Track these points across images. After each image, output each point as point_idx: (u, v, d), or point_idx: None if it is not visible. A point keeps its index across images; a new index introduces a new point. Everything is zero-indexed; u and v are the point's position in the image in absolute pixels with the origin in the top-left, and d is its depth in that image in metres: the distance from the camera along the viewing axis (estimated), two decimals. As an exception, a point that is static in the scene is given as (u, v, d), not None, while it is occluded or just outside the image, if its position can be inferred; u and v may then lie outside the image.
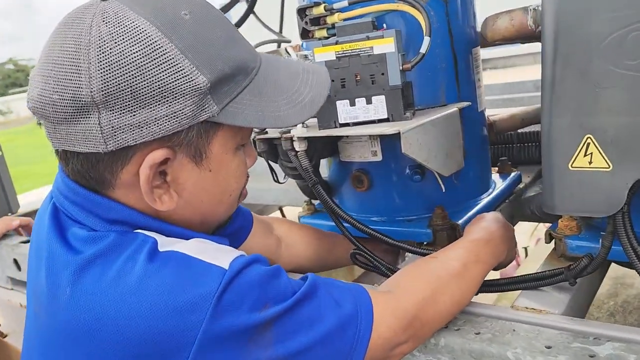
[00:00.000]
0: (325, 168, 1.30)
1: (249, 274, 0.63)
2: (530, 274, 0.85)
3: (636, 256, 0.72)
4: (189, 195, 0.69)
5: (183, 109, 0.62)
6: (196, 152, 0.67)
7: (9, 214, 2.04)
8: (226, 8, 2.31)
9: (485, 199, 1.20)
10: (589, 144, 0.71)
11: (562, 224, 0.93)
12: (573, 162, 0.73)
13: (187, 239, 0.68)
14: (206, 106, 0.63)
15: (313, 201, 1.33)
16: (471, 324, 0.79)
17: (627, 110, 0.68)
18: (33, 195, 2.31)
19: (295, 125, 0.95)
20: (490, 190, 1.25)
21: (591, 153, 0.71)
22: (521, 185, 1.32)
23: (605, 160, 0.70)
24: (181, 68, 0.62)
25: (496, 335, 0.75)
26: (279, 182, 1.19)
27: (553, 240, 0.96)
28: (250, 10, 2.27)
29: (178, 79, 0.61)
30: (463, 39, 1.12)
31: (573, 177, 0.73)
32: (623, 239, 0.72)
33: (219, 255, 0.65)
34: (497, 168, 1.35)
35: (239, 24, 2.30)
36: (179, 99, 0.62)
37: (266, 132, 1.10)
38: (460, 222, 1.09)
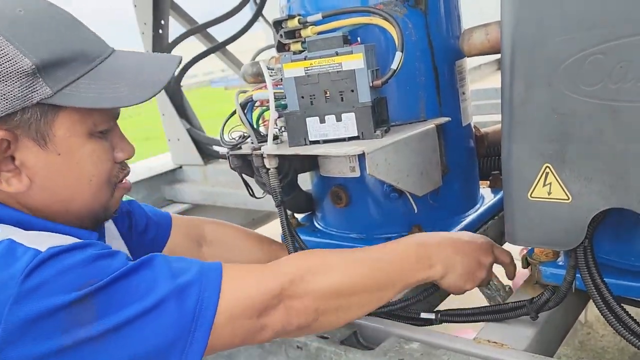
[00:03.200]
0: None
1: (68, 257, 0.63)
2: (492, 306, 0.81)
3: (598, 293, 0.67)
4: (43, 180, 0.72)
5: (11, 90, 0.66)
6: (38, 134, 0.70)
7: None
8: (235, 11, 2.31)
9: (470, 216, 1.16)
10: (547, 173, 0.66)
11: (537, 250, 0.88)
12: (532, 192, 0.68)
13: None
14: (37, 88, 0.67)
15: (296, 215, 1.31)
16: (428, 357, 0.75)
17: (586, 138, 0.63)
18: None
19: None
20: (478, 206, 1.20)
21: (550, 183, 0.66)
22: (513, 200, 1.26)
23: (565, 191, 0.66)
24: (5, 53, 0.66)
25: (450, 372, 0.72)
26: (255, 197, 1.17)
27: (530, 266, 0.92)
28: (258, 13, 2.26)
29: (3, 63, 0.66)
30: (445, 51, 1.08)
31: (533, 207, 0.69)
32: (584, 275, 0.68)
33: (45, 240, 0.65)
34: (488, 182, 1.30)
35: (247, 26, 2.30)
36: (5, 81, 0.66)
37: (240, 148, 1.08)
38: (438, 242, 1.05)
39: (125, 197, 0.96)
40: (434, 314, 0.87)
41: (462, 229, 1.12)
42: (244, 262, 1.07)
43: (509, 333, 0.79)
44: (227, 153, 1.08)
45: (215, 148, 2.31)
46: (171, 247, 1.00)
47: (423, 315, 0.88)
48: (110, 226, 0.93)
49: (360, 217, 1.14)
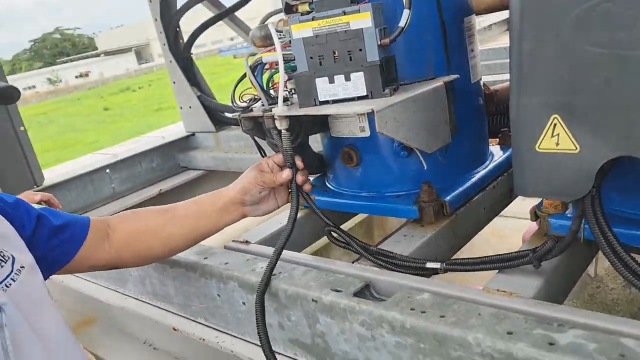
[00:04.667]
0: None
1: None
2: (495, 255, 0.83)
3: (605, 241, 0.69)
4: None
5: None
6: None
7: (35, 186, 2.14)
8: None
9: (479, 173, 1.17)
10: (555, 124, 0.67)
11: (547, 202, 0.89)
12: (540, 144, 0.69)
13: None
14: None
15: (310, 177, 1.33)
16: (438, 307, 0.78)
17: (595, 88, 0.63)
18: (77, 163, 2.39)
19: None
20: (487, 163, 1.21)
21: (558, 134, 0.67)
22: (523, 158, 1.27)
23: (573, 142, 0.67)
24: None
25: (460, 320, 0.74)
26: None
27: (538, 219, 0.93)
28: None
29: None
30: (453, 7, 1.07)
31: (540, 159, 0.70)
32: (592, 224, 0.69)
33: None
34: (497, 140, 1.31)
35: None
36: None
37: (251, 111, 1.09)
38: (448, 198, 1.07)
39: (38, 206, 0.97)
40: (439, 264, 0.89)
41: (471, 186, 1.13)
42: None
43: (516, 283, 0.81)
44: (239, 116, 1.09)
45: (227, 115, 2.32)
46: (85, 247, 1.00)
47: (429, 265, 0.90)
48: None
49: (371, 176, 1.16)
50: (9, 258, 0.78)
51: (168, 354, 1.51)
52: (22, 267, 0.80)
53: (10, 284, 0.76)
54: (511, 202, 1.27)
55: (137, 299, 1.33)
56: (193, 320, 1.18)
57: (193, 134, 2.45)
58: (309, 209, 1.30)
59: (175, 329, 1.19)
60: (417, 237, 1.04)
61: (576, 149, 0.67)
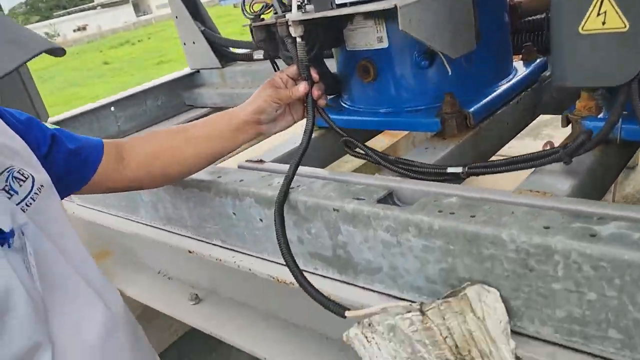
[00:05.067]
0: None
1: None
2: (524, 155, 0.78)
3: (651, 128, 0.64)
4: None
5: None
6: None
7: (39, 125, 2.10)
8: None
9: (503, 86, 1.12)
10: (602, 0, 0.61)
11: (580, 104, 0.85)
12: (584, 25, 0.64)
13: None
14: None
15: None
16: (468, 208, 0.74)
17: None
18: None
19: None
20: (511, 77, 1.16)
21: (605, 11, 0.62)
22: (547, 73, 1.21)
23: (621, 19, 0.61)
24: None
25: (492, 218, 0.71)
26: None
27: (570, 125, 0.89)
28: None
29: None
30: None
31: (584, 42, 0.65)
32: (638, 110, 0.65)
33: None
34: (521, 55, 1.24)
35: None
36: None
37: (262, 20, 1.03)
38: (472, 109, 1.02)
39: (52, 126, 0.92)
40: (460, 168, 0.85)
41: (495, 98, 1.08)
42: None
43: (549, 184, 0.78)
44: (250, 25, 1.03)
45: (232, 49, 2.25)
46: (101, 170, 0.97)
47: (450, 169, 0.86)
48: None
49: (388, 91, 1.10)
50: (28, 177, 0.74)
51: (183, 282, 1.51)
52: (41, 186, 0.76)
53: (30, 204, 0.73)
54: (534, 120, 1.22)
55: (150, 225, 1.31)
56: (208, 243, 1.16)
57: (198, 71, 2.38)
58: (323, 130, 1.26)
59: (190, 252, 1.17)
60: (439, 150, 1.00)
61: (625, 26, 0.62)
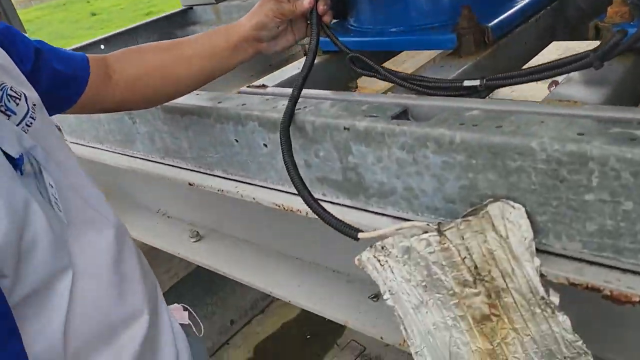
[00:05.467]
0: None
1: None
2: (548, 62, 0.72)
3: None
4: None
5: None
6: None
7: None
8: None
9: (521, 2, 1.04)
10: None
11: (611, 10, 0.78)
12: None
13: None
14: None
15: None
16: (493, 120, 0.69)
17: None
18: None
19: None
20: (529, -6, 1.08)
21: None
22: (568, -10, 1.14)
23: None
24: None
25: (520, 128, 0.65)
26: None
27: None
28: None
29: None
30: None
31: None
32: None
33: None
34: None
35: None
36: None
37: None
38: (491, 24, 0.95)
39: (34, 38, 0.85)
40: (478, 80, 0.79)
41: (513, 14, 1.01)
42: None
43: (579, 94, 0.72)
44: None
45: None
46: (88, 89, 0.89)
47: (467, 83, 0.80)
48: None
49: (399, 8, 1.03)
50: (20, 94, 0.67)
51: (183, 220, 1.47)
52: (34, 105, 0.70)
53: (30, 124, 0.67)
54: (551, 42, 1.15)
55: (147, 159, 1.25)
56: (209, 174, 1.11)
57: (191, 8, 2.27)
58: (327, 55, 1.19)
59: (191, 184, 1.11)
60: (454, 68, 0.93)
61: None
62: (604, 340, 0.82)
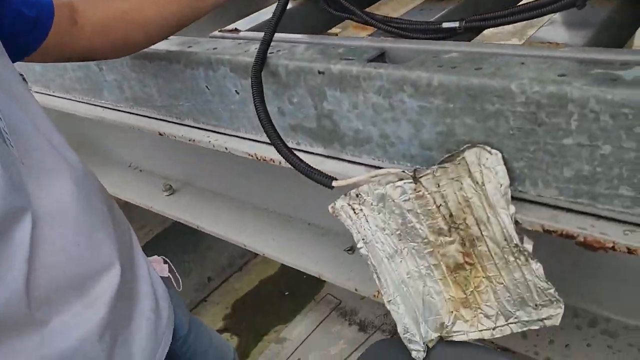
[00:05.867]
0: None
1: None
2: (532, 1, 0.69)
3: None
4: None
5: None
6: None
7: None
8: None
9: (506, -53, 1.00)
10: None
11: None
12: None
13: None
14: None
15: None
16: (472, 62, 0.66)
17: None
18: None
19: None
20: (514, -62, 1.04)
21: None
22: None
23: None
24: None
25: (500, 69, 0.63)
26: None
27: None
28: None
29: None
30: None
31: None
32: None
33: None
34: None
35: None
36: None
37: None
38: (472, -32, 0.91)
39: None
40: (457, 22, 0.76)
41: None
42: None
43: (562, 35, 0.70)
44: None
45: None
46: (52, 34, 0.84)
47: (445, 24, 0.77)
48: None
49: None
50: None
51: (155, 174, 1.43)
52: None
53: None
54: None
55: (116, 109, 1.20)
56: (180, 124, 1.07)
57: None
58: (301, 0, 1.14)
59: (161, 134, 1.08)
60: (435, 11, 0.90)
61: None
62: (577, 289, 0.83)
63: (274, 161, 0.89)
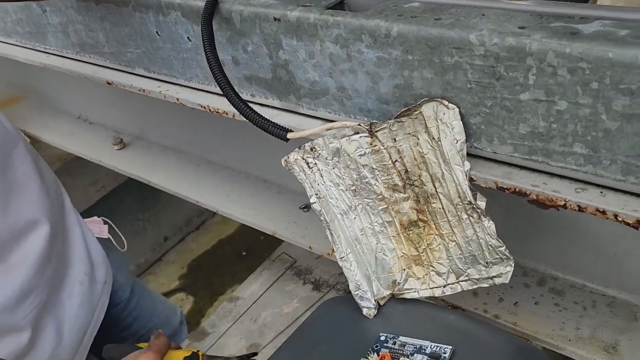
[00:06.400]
0: None
1: None
2: None
3: None
4: None
5: None
6: None
7: None
8: None
9: None
10: None
11: None
12: None
13: None
14: None
15: None
16: (432, 12, 0.64)
17: None
18: None
19: None
20: None
21: None
22: None
23: None
24: None
25: (460, 20, 0.61)
26: None
27: None
28: None
29: None
30: None
31: None
32: None
33: None
34: None
35: None
36: None
37: None
38: None
39: None
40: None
41: None
42: None
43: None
44: None
45: None
46: None
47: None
48: None
49: None
50: None
51: (105, 127, 1.37)
52: None
53: None
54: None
55: (61, 55, 1.13)
56: (130, 72, 1.01)
57: None
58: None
59: (109, 83, 1.02)
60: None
61: None
62: (526, 249, 0.83)
63: (227, 114, 0.86)
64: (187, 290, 2.09)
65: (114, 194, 1.92)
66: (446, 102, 0.64)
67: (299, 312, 1.07)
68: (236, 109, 0.74)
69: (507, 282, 0.65)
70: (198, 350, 0.76)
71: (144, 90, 0.97)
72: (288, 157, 0.72)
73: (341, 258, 0.73)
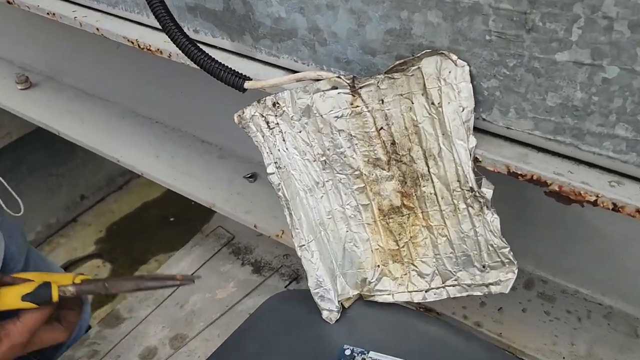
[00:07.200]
0: None
1: None
2: None
3: None
4: None
5: None
6: None
7: None
8: None
9: None
10: None
11: None
12: None
13: None
14: None
15: None
16: None
17: None
18: None
19: None
20: None
21: None
22: None
23: None
24: None
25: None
26: None
27: None
28: None
29: None
30: None
31: None
32: None
33: None
34: None
35: None
36: None
37: None
38: None
39: None
40: None
41: None
42: None
43: None
44: None
45: None
46: None
47: None
48: None
49: None
50: None
51: (7, 62, 1.13)
52: None
53: None
54: None
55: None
56: (37, -10, 0.79)
57: None
58: None
59: (10, 2, 0.79)
60: None
61: None
62: (513, 246, 0.72)
63: (161, 52, 0.67)
64: (105, 256, 1.87)
65: (22, 143, 1.65)
66: (454, 57, 0.49)
67: (235, 298, 0.92)
68: (177, 46, 0.55)
69: (506, 292, 0.53)
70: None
71: (53, 14, 0.75)
72: (243, 112, 0.55)
73: (301, 246, 0.57)
